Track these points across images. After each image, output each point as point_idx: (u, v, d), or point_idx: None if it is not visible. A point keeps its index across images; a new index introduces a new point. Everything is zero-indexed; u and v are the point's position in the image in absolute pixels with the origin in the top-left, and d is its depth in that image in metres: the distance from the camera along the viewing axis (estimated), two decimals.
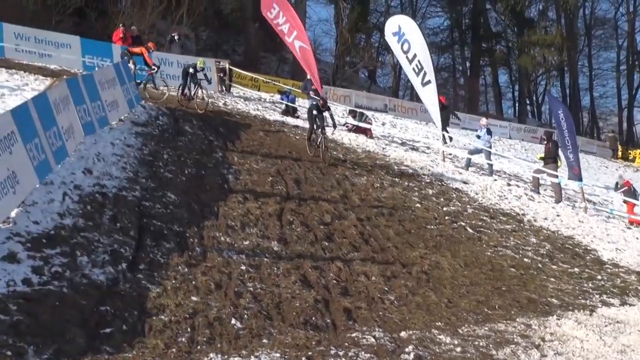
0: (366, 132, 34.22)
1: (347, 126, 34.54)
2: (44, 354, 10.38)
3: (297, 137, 29.36)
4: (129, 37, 36.74)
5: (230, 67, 39.45)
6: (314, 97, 31.65)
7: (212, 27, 55.97)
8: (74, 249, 13.74)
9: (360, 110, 38.25)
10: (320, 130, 26.19)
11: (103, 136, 21.47)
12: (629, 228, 27.54)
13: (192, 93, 29.88)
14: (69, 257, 13.37)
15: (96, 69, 29.56)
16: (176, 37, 39.73)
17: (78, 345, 10.86)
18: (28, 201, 14.62)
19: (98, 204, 16.35)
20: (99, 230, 15.04)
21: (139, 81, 30.47)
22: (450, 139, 35.15)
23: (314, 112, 26.66)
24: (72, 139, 19.00)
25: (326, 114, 26.68)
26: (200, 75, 30.32)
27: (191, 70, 29.88)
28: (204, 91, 30.39)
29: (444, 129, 34.11)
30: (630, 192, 30.26)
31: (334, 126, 27.10)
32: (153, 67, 30.82)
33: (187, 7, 49.66)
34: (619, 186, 31.72)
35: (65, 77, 24.91)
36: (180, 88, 30.42)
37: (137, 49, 31.28)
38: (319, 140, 26.18)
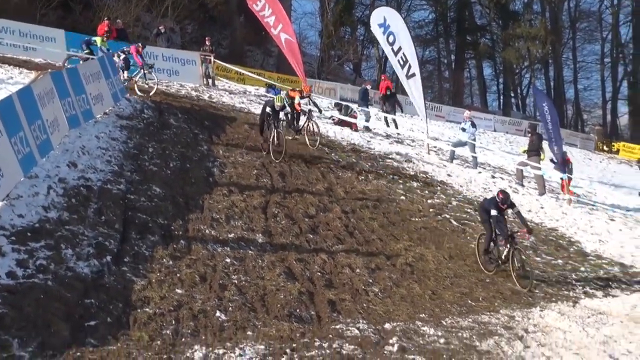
0: (351, 126, 34.24)
1: (332, 119, 34.55)
2: (28, 347, 10.41)
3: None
4: (114, 30, 36.71)
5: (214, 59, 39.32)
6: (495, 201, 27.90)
7: (197, 21, 55.80)
8: (58, 242, 13.76)
9: (346, 103, 38.22)
10: (511, 247, 17.99)
11: (88, 129, 21.44)
12: (521, 185, 29.04)
13: (271, 136, 24.41)
14: (54, 250, 13.38)
15: (81, 62, 29.47)
16: (162, 31, 39.63)
17: (63, 338, 10.90)
18: (13, 195, 14.60)
19: (83, 197, 16.34)
20: (84, 224, 15.05)
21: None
22: (395, 124, 35.79)
23: (494, 212, 18.27)
24: (57, 132, 18.97)
25: (510, 211, 18.83)
26: (281, 114, 25.48)
27: (268, 109, 24.57)
28: (282, 134, 25.05)
29: (388, 113, 36.11)
30: (568, 168, 30.02)
31: (529, 231, 18.39)
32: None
33: (171, 0, 49.54)
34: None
35: (49, 70, 24.85)
36: (259, 129, 25.56)
37: (293, 93, 28.27)
38: (508, 254, 17.98)
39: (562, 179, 28.98)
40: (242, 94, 38.10)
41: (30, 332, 10.69)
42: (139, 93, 29.20)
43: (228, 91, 37.30)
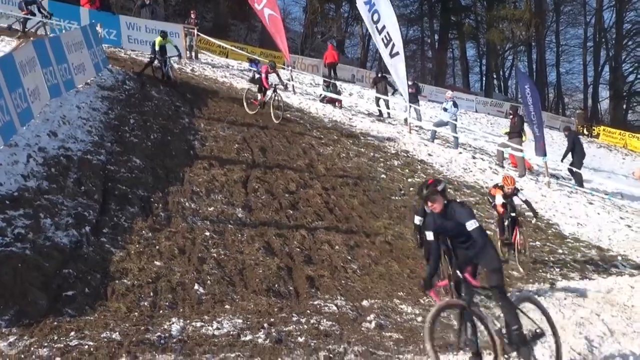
0: (335, 102, 34.30)
1: (326, 100, 34.50)
2: (5, 315, 10.38)
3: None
4: (97, 0, 36.40)
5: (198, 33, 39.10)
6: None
7: None
8: (37, 211, 13.69)
9: (334, 81, 38.16)
10: None
11: (69, 99, 21.32)
12: (501, 166, 29.10)
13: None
14: (33, 219, 13.32)
15: (63, 31, 29.23)
16: (147, 2, 39.30)
17: (40, 308, 10.88)
18: None
19: (62, 166, 16.27)
20: (63, 193, 14.99)
21: None
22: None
23: None
24: (38, 101, 18.85)
25: None
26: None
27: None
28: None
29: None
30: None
31: None
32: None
33: None
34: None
35: (32, 38, 24.67)
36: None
37: (494, 190, 19.15)
38: None
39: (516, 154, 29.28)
40: (225, 68, 37.97)
41: (7, 301, 10.65)
42: (274, 120, 26.53)
43: (210, 65, 37.16)
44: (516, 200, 18.70)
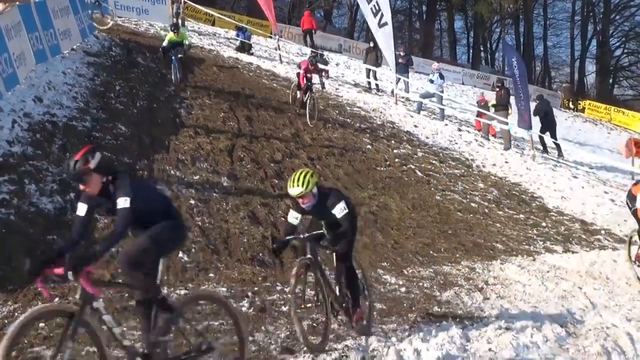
0: (322, 72, 34.22)
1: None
2: None
3: (251, 74, 29.20)
4: None
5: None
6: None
7: None
8: (22, 177, 13.68)
9: (321, 52, 38.04)
10: None
11: (55, 65, 21.22)
12: (486, 139, 29.10)
13: None
14: (17, 184, 13.31)
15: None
16: None
17: (24, 273, 10.84)
18: None
19: (48, 132, 16.24)
20: (48, 159, 14.97)
21: None
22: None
23: None
24: (24, 66, 18.77)
25: None
26: None
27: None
28: None
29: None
30: (485, 107, 30.34)
31: None
32: None
33: None
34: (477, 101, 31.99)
35: (17, 3, 24.49)
36: None
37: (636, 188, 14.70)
38: None
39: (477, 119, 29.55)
40: (212, 35, 37.80)
41: None
42: (309, 122, 23.75)
43: (197, 32, 36.98)
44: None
